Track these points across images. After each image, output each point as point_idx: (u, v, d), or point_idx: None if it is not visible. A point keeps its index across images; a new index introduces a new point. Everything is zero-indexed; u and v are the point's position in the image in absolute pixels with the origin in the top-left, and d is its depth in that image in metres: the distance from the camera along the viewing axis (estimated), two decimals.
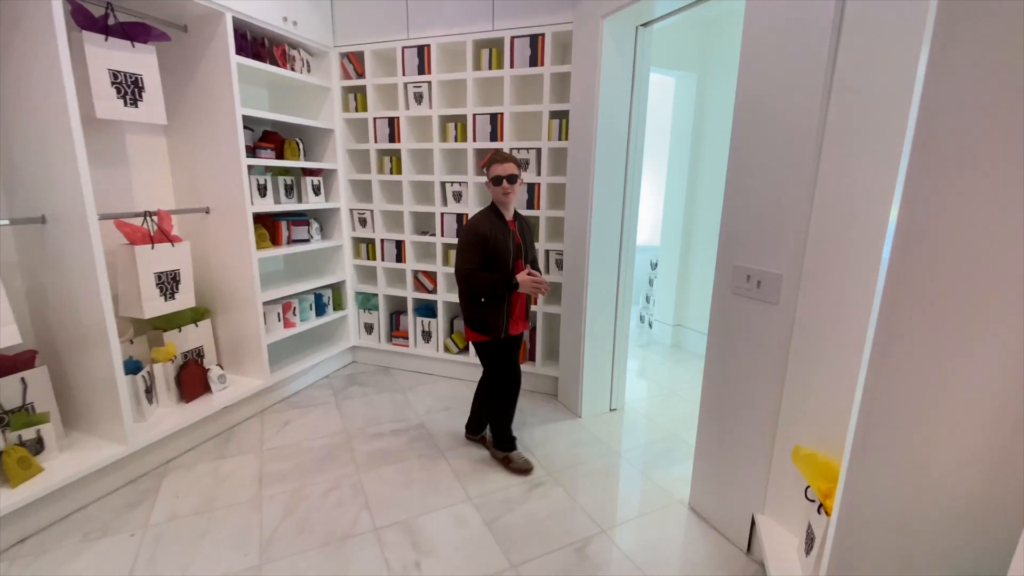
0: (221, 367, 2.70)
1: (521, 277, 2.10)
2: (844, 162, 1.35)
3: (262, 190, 2.75)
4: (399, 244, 3.21)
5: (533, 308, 2.94)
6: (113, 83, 2.16)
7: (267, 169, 2.87)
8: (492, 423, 2.33)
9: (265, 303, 2.81)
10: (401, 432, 2.60)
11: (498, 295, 2.11)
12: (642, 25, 2.43)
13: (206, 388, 2.63)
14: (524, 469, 2.26)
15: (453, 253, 3.09)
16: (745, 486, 1.75)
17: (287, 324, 2.98)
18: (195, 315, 2.70)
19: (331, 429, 2.64)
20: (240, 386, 2.72)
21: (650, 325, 4.31)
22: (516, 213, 2.24)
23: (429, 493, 2.11)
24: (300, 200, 3.06)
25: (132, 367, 2.30)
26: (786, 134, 1.47)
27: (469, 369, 3.21)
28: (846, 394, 1.38)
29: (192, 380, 2.55)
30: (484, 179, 2.86)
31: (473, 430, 2.50)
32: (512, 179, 2.09)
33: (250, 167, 2.69)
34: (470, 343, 2.23)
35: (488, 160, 2.13)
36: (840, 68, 1.34)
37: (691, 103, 3.66)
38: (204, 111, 2.54)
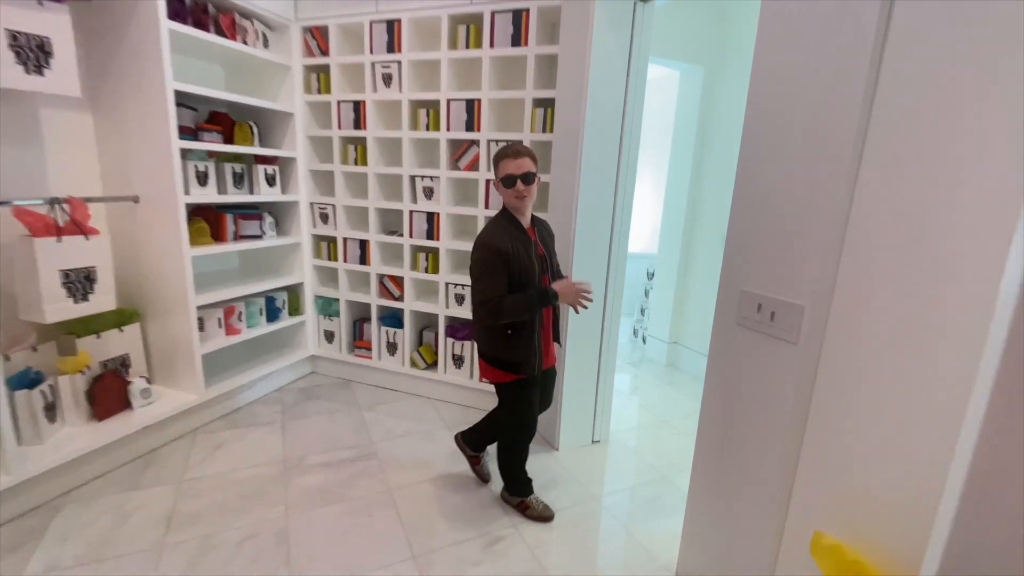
0: (148, 380, 2.35)
1: (561, 286, 1.73)
2: (895, 172, 1.00)
3: (202, 178, 2.40)
4: (363, 244, 2.86)
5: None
6: (11, 45, 1.81)
7: (211, 155, 2.52)
8: (505, 466, 1.97)
9: (203, 307, 2.46)
10: (348, 463, 2.25)
11: (530, 319, 1.73)
12: (642, 0, 2.08)
13: (125, 404, 2.28)
14: (545, 517, 1.93)
15: (423, 257, 2.74)
16: (744, 563, 1.40)
17: (230, 331, 2.63)
18: (120, 319, 2.35)
19: (268, 455, 2.29)
20: (169, 402, 2.37)
21: (644, 340, 3.96)
22: (533, 216, 1.85)
23: (367, 547, 1.76)
24: (252, 191, 2.71)
25: (26, 380, 1.95)
26: (814, 136, 1.12)
27: (437, 387, 2.86)
28: (890, 472, 1.03)
29: (107, 395, 2.20)
30: (461, 173, 2.55)
31: (472, 444, 2.13)
32: (529, 178, 1.69)
33: (188, 151, 2.35)
34: (492, 382, 1.86)
35: (498, 155, 1.71)
36: (890, 54, 0.99)
37: (696, 99, 3.31)
38: (133, 85, 2.20)
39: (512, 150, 1.69)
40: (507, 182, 1.69)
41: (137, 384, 2.30)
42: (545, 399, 2.01)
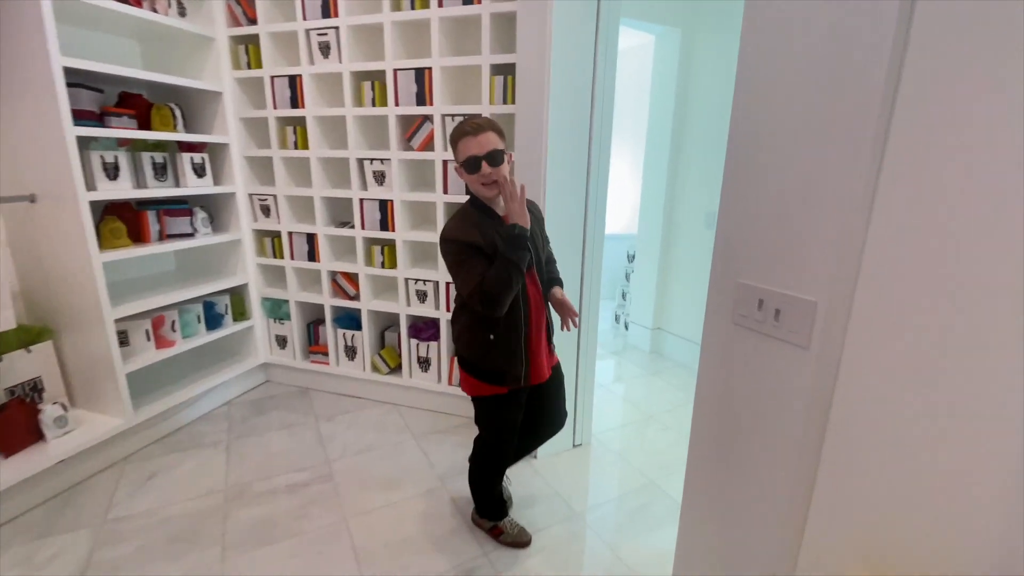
0: (64, 405, 2.05)
1: (510, 209, 1.37)
2: (938, 139, 0.76)
3: (111, 170, 2.07)
4: (311, 238, 2.56)
5: None
6: None
7: (123, 143, 2.19)
8: (475, 484, 1.72)
9: (125, 319, 2.15)
10: (300, 488, 2.00)
11: (515, 281, 1.36)
12: None
13: (37, 435, 1.98)
14: (520, 542, 1.70)
15: (378, 250, 2.46)
16: None
17: (161, 343, 2.32)
18: (26, 337, 2.04)
19: (208, 484, 2.02)
20: (90, 429, 2.08)
21: (626, 327, 3.75)
22: None
23: None
24: (177, 183, 2.37)
25: None
26: (828, 102, 0.88)
27: (403, 393, 2.61)
28: (927, 500, 0.81)
29: (13, 427, 1.90)
30: (414, 154, 2.26)
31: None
32: (496, 158, 1.36)
33: (90, 140, 2.02)
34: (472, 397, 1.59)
35: (455, 134, 1.40)
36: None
37: (674, 64, 3.04)
38: (12, 63, 1.85)
39: (471, 125, 1.37)
40: (470, 166, 1.37)
41: (50, 412, 1.99)
42: (551, 415, 1.72)
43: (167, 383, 2.45)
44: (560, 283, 1.67)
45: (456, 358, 1.57)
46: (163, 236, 2.34)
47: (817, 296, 0.94)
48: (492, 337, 1.45)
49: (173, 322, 2.36)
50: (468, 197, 1.49)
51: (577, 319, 1.57)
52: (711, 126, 2.94)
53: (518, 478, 2.03)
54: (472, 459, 1.71)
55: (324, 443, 2.30)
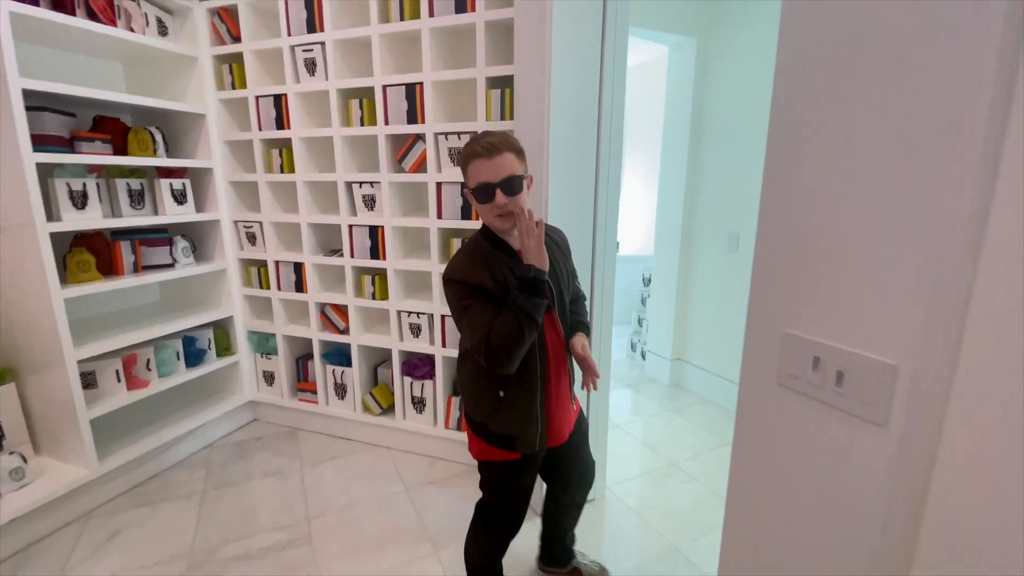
0: (23, 455, 1.87)
1: (526, 246, 1.13)
2: None
3: (78, 199, 1.92)
4: (298, 267, 2.37)
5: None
6: None
7: (94, 169, 2.05)
8: (471, 555, 1.45)
9: (92, 359, 1.98)
10: (273, 553, 1.77)
11: (528, 333, 1.12)
12: None
13: None
14: None
15: (368, 280, 2.26)
16: None
17: (134, 384, 2.14)
18: None
19: (173, 546, 1.80)
20: (51, 481, 1.89)
21: (643, 356, 3.48)
22: None
23: None
24: (156, 211, 2.22)
25: None
26: (907, 103, 0.64)
27: (396, 436, 2.38)
28: None
29: None
30: (406, 176, 2.06)
31: (554, 559, 1.64)
32: (513, 186, 1.13)
33: (57, 166, 1.88)
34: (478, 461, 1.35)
35: (465, 155, 1.16)
36: None
37: (690, 76, 2.84)
38: None
39: (483, 145, 1.13)
40: (481, 194, 1.14)
41: (5, 463, 1.81)
42: (579, 474, 1.49)
43: (143, 426, 2.27)
44: (587, 328, 1.40)
45: (463, 415, 1.32)
46: (139, 268, 2.18)
47: (898, 359, 0.70)
48: (502, 395, 1.22)
49: (148, 360, 2.18)
50: (480, 226, 1.26)
51: (598, 380, 1.31)
52: (731, 140, 2.72)
53: (523, 544, 1.77)
54: (472, 529, 1.45)
55: (307, 494, 2.08)
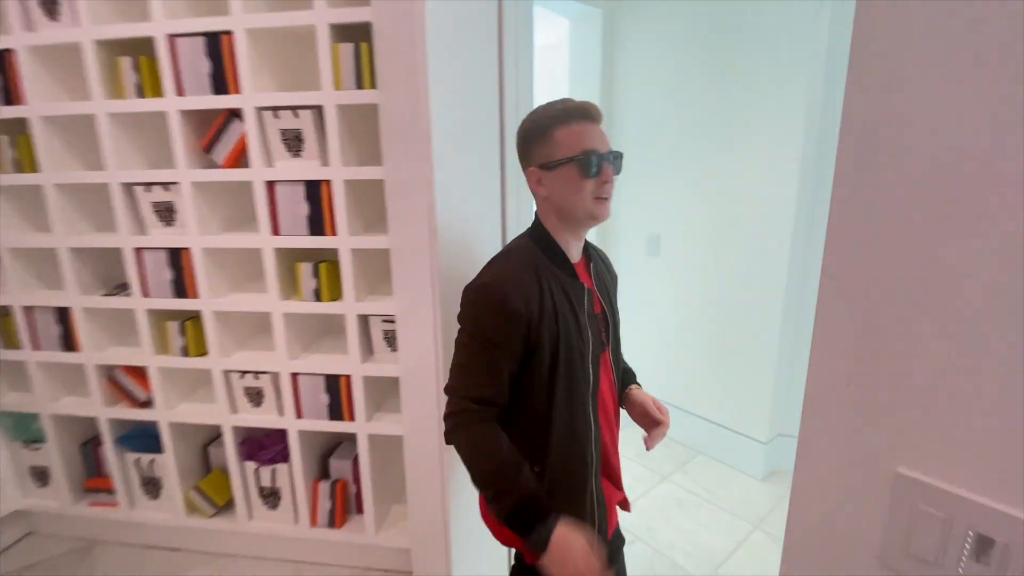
0: None
1: (560, 550, 0.80)
2: None
3: None
4: (63, 315, 1.57)
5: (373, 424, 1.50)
6: None
7: None
8: None
9: None
10: None
11: (484, 488, 0.88)
12: None
13: None
14: None
15: (175, 327, 1.53)
16: None
17: None
18: None
19: None
20: None
21: None
22: (586, 243, 1.02)
23: None
24: None
25: None
26: None
27: (244, 541, 1.68)
28: None
29: None
30: (219, 173, 1.32)
31: None
32: (619, 163, 0.92)
33: None
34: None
35: (547, 119, 0.90)
36: None
37: (596, 55, 2.45)
38: None
39: (578, 108, 0.90)
40: (585, 165, 0.87)
41: None
42: None
43: None
44: (633, 375, 1.14)
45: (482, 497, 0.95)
46: None
47: None
48: (539, 471, 0.90)
49: None
50: (532, 224, 0.97)
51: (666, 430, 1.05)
52: (647, 130, 2.38)
53: None
54: None
55: None
